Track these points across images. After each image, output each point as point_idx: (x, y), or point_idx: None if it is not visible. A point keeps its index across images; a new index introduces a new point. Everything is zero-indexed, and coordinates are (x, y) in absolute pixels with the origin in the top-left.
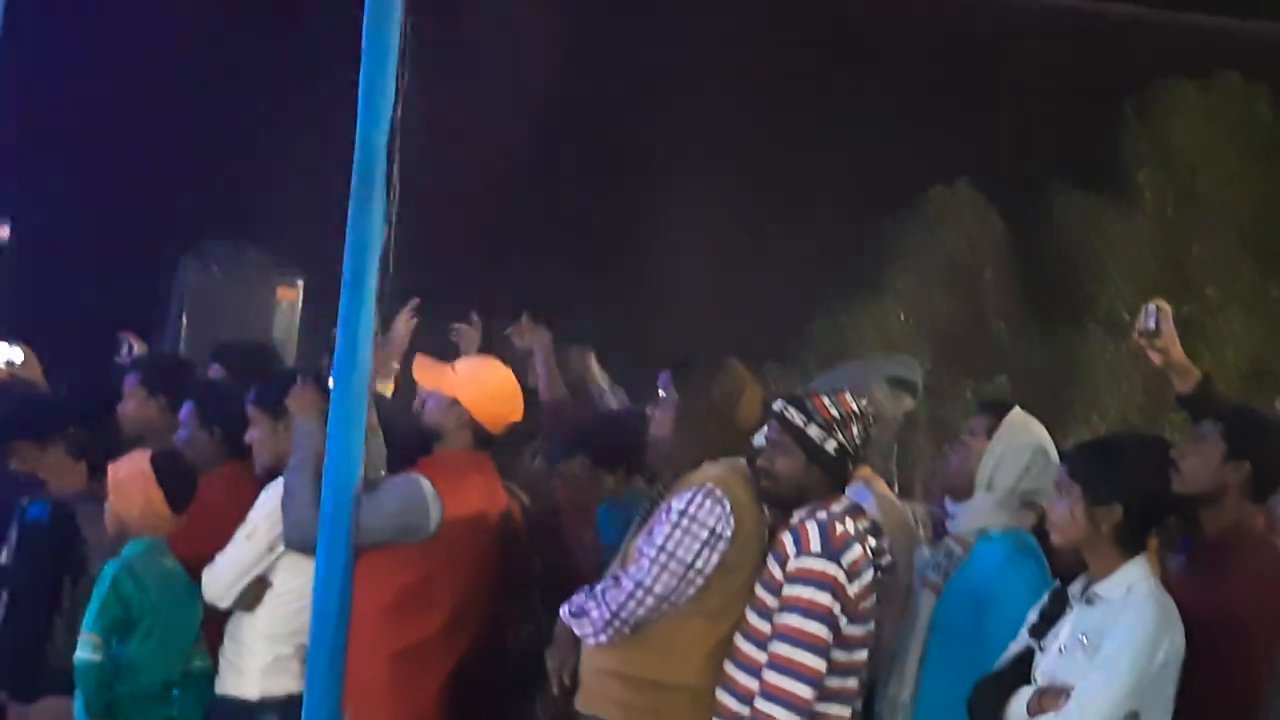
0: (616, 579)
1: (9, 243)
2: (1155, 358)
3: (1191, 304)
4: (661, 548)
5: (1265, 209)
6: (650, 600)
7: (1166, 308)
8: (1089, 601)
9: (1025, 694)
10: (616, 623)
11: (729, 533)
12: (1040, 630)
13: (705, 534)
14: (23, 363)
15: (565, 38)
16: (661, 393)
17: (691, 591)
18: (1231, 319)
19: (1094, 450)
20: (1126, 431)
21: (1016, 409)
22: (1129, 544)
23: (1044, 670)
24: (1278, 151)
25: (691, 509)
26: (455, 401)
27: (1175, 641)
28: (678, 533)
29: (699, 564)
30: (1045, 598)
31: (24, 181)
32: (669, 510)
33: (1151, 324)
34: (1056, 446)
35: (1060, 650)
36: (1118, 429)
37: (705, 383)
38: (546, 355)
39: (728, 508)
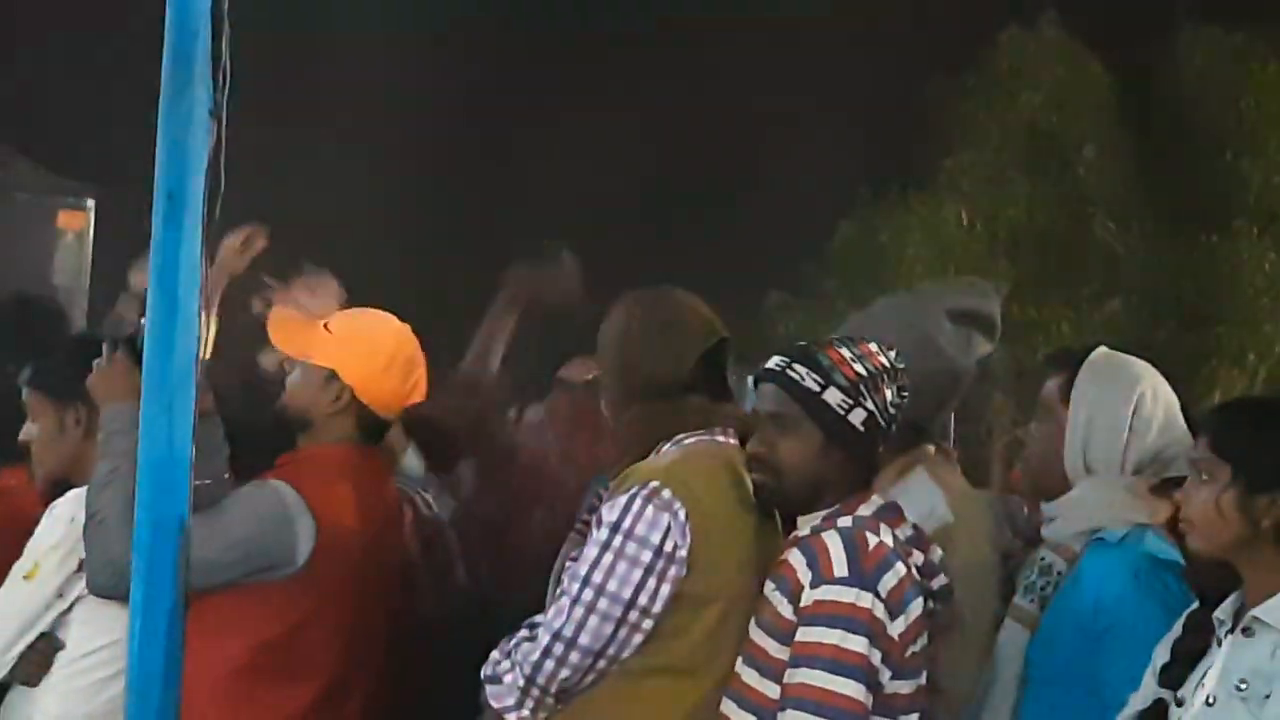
0: (532, 626)
1: None
2: None
3: None
4: (586, 580)
5: None
6: (575, 656)
7: None
8: (1246, 632)
9: None
10: (534, 690)
11: (684, 552)
12: (1176, 674)
13: (648, 556)
14: None
15: None
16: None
17: (638, 639)
18: None
19: (1250, 414)
20: None
21: (1100, 350)
22: None
23: None
24: None
25: (627, 521)
26: (333, 375)
27: None
28: (609, 556)
29: (642, 600)
30: (1179, 627)
31: None
32: (598, 523)
33: None
34: (1197, 405)
35: (1209, 702)
36: None
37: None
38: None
39: (681, 516)
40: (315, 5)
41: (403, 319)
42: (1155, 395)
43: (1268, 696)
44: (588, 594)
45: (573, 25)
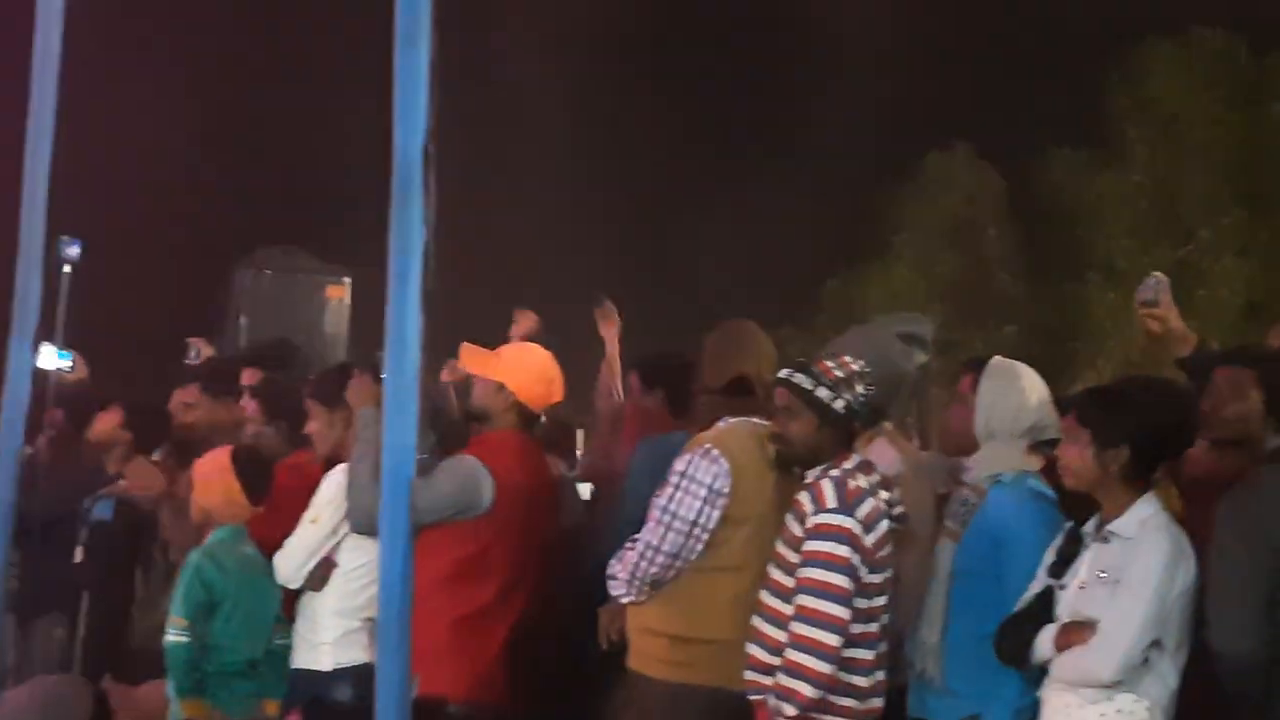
0: (636, 542)
1: (78, 260)
2: (1154, 326)
3: (1185, 248)
4: (665, 508)
5: (1248, 153)
6: (661, 558)
7: (1165, 279)
8: (1105, 539)
9: (1050, 630)
10: (636, 582)
11: (727, 488)
12: (1059, 569)
13: (704, 492)
14: (73, 370)
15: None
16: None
17: (699, 547)
18: (1224, 259)
19: (1099, 396)
20: (1130, 375)
21: (996, 358)
22: (1138, 483)
23: (1066, 606)
24: (1257, 96)
25: (690, 469)
26: (501, 386)
27: (1189, 569)
28: (678, 493)
29: (701, 520)
30: (1061, 538)
31: (94, 202)
32: (671, 472)
33: (1150, 294)
34: (1066, 392)
35: (1081, 587)
36: (1121, 372)
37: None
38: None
39: (725, 466)
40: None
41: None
42: (1033, 387)
43: (1118, 581)
44: (665, 517)
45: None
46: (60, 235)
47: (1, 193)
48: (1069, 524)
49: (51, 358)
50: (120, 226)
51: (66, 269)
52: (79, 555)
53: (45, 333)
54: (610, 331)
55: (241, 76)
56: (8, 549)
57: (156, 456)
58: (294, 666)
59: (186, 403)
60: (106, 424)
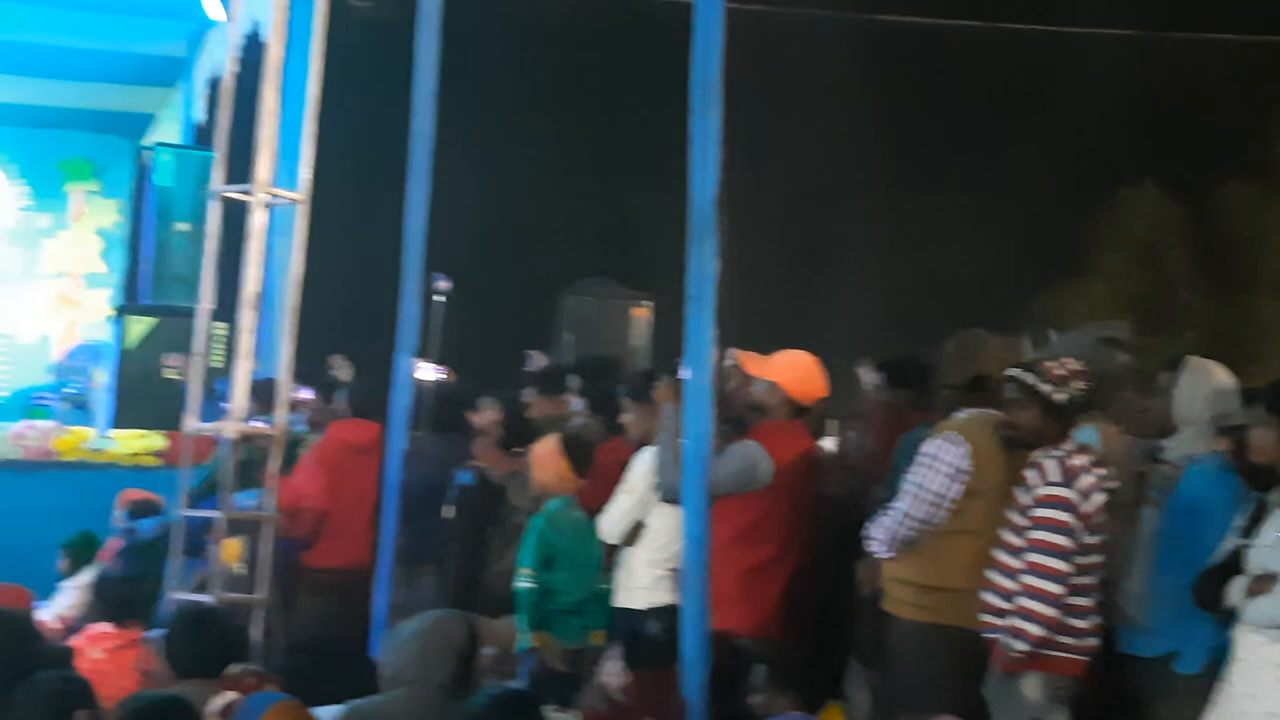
0: (892, 509)
1: (449, 292)
2: None
3: None
4: (917, 483)
5: None
6: (913, 523)
7: None
8: None
9: (1240, 581)
10: (893, 541)
11: (968, 467)
12: (1247, 531)
13: (949, 470)
14: (445, 378)
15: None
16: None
17: (944, 515)
18: None
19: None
20: None
21: (1191, 357)
22: None
23: (1254, 562)
24: None
25: (937, 452)
26: (776, 384)
27: None
28: (928, 471)
29: (946, 493)
30: (1251, 506)
31: (460, 242)
32: (921, 453)
33: None
34: (1245, 386)
35: (1267, 545)
36: None
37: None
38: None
39: (965, 449)
40: None
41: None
42: (1222, 381)
43: None
44: (916, 489)
45: None
46: (434, 271)
47: (387, 238)
48: (1255, 494)
49: (427, 370)
50: (477, 262)
51: (439, 299)
52: (449, 514)
53: (422, 350)
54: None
55: (568, 134)
56: (399, 513)
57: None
58: (614, 605)
59: (526, 401)
60: (486, 417)
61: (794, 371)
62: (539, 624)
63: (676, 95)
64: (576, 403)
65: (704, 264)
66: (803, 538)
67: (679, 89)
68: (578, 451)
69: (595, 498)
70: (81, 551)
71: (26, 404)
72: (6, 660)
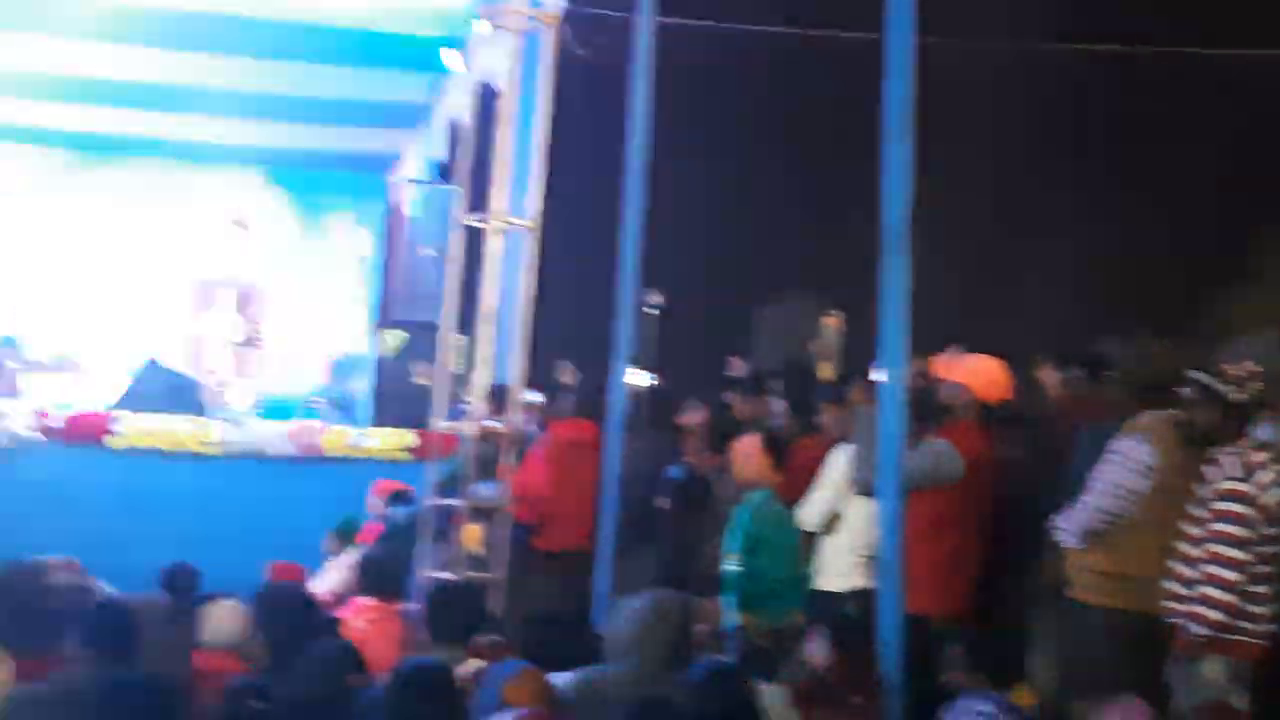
0: (1081, 502)
1: (660, 306)
2: None
3: None
4: (1107, 479)
5: None
6: (1102, 515)
7: None
8: None
9: None
10: (1082, 532)
11: (1154, 463)
12: None
13: (1137, 467)
14: (656, 383)
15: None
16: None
17: (1130, 508)
18: None
19: None
20: None
21: None
22: None
23: None
24: None
25: (1126, 449)
26: (963, 386)
27: None
28: (1117, 467)
29: (1134, 488)
30: None
31: (670, 261)
32: (1111, 451)
33: None
34: None
35: None
36: None
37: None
38: None
39: (1150, 447)
40: None
41: None
42: None
43: None
44: (1105, 485)
45: None
46: (647, 288)
47: (606, 259)
48: None
49: (640, 376)
50: (685, 279)
51: (651, 312)
52: (663, 504)
53: (636, 358)
54: None
55: (768, 159)
56: (617, 502)
57: None
58: (813, 588)
59: (730, 403)
60: (694, 418)
61: (980, 374)
62: (744, 604)
63: (867, 124)
64: (776, 404)
65: (896, 275)
66: (988, 529)
67: (870, 118)
68: (777, 449)
69: (793, 490)
70: (346, 533)
71: (296, 406)
72: (288, 626)
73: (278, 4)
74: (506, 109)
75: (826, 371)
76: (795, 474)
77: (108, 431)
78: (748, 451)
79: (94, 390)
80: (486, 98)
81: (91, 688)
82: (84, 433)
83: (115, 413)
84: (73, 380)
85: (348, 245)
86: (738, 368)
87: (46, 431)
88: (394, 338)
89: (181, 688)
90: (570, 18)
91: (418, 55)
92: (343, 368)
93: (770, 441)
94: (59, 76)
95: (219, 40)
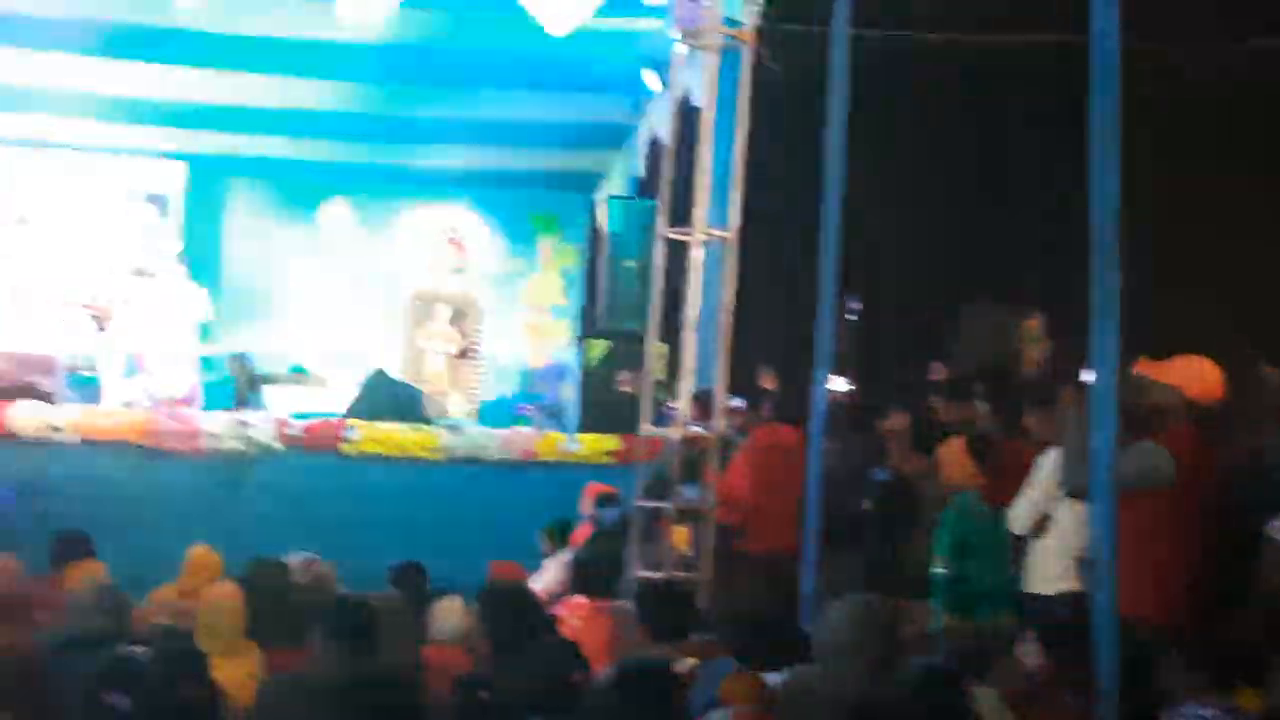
0: None
1: (859, 312)
2: None
3: None
4: None
5: None
6: None
7: None
8: None
9: None
10: None
11: None
12: None
13: None
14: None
15: None
16: None
17: None
18: None
19: None
20: None
21: None
22: None
23: None
24: None
25: None
26: (1176, 388)
27: None
28: None
29: None
30: None
31: (868, 268)
32: None
33: None
34: None
35: None
36: None
37: None
38: None
39: None
40: None
41: None
42: None
43: None
44: None
45: None
46: (846, 294)
47: (805, 266)
48: None
49: (840, 381)
50: (884, 285)
51: (851, 318)
52: (867, 506)
53: (837, 363)
54: None
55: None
56: (821, 505)
57: None
58: (1024, 590)
59: (934, 406)
60: (896, 422)
61: (1193, 376)
62: (952, 607)
63: (1065, 129)
64: (980, 408)
65: (1106, 278)
66: (1203, 532)
67: (1068, 124)
68: (983, 452)
69: (999, 493)
70: (558, 534)
71: (509, 413)
72: (511, 623)
73: (486, 35)
74: (706, 126)
75: (1029, 374)
76: (1001, 476)
77: (342, 439)
78: (954, 455)
79: (327, 400)
80: (686, 115)
81: (336, 679)
82: (320, 440)
83: (349, 421)
84: (307, 391)
85: (553, 260)
86: (938, 372)
87: (285, 439)
88: (598, 347)
89: (414, 680)
90: (765, 34)
91: (619, 77)
92: (550, 376)
93: (976, 445)
94: (286, 111)
95: (431, 73)
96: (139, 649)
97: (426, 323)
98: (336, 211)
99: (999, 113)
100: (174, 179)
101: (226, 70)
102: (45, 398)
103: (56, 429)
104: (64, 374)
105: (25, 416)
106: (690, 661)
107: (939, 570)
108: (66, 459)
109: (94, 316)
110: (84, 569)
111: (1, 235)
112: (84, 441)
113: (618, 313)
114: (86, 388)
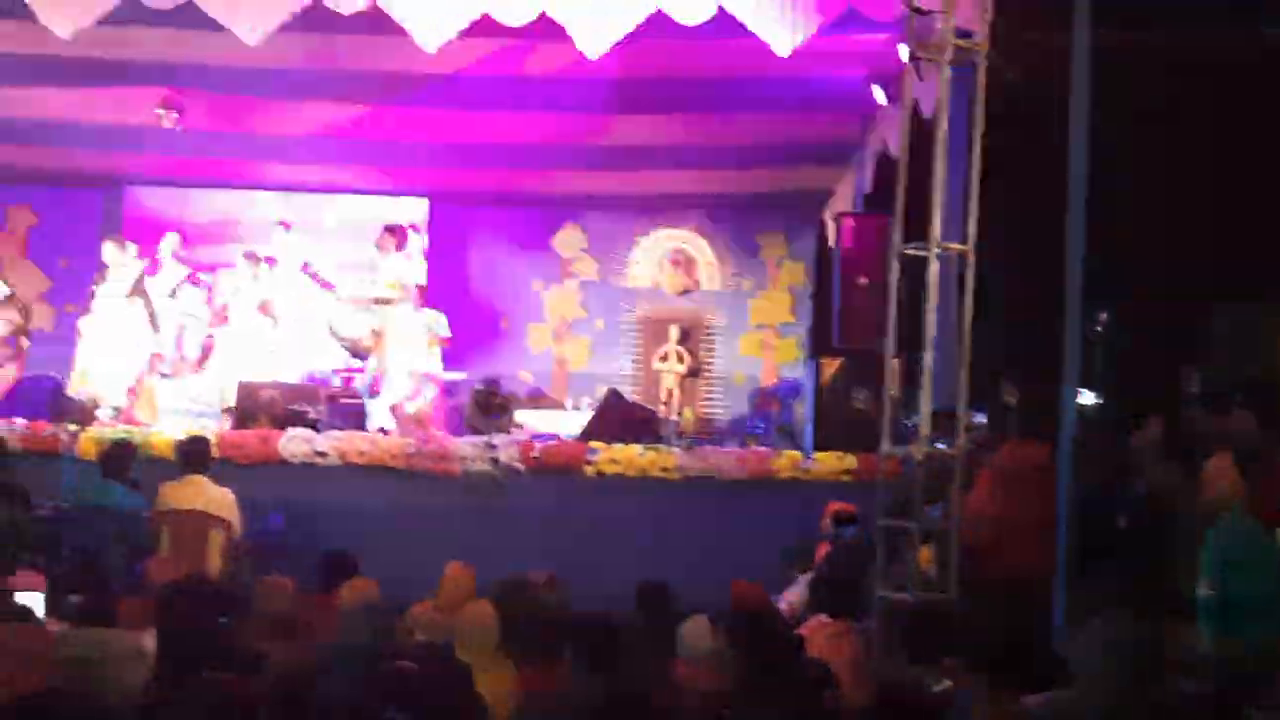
0: None
1: (1106, 322)
2: None
3: None
4: None
5: None
6: None
7: None
8: None
9: None
10: None
11: None
12: None
13: None
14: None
15: None
16: None
17: None
18: None
19: None
20: None
21: None
22: None
23: None
24: None
25: None
26: None
27: None
28: None
29: None
30: None
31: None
32: None
33: None
34: None
35: None
36: None
37: None
38: None
39: None
40: None
41: None
42: None
43: None
44: None
45: None
46: (1092, 304)
47: (1047, 276)
48: None
49: (1087, 394)
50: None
51: (1097, 329)
52: (1123, 523)
53: (1084, 375)
54: None
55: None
56: (1073, 522)
57: None
58: None
59: (1191, 418)
60: (1150, 435)
61: None
62: (1220, 628)
63: None
64: (1244, 419)
65: None
66: None
67: None
68: (1250, 464)
69: (1270, 508)
70: (799, 554)
71: (742, 432)
72: (759, 643)
73: (718, 62)
74: (941, 139)
75: None
76: (1270, 490)
77: (584, 461)
78: (1218, 468)
79: (564, 422)
80: (916, 128)
81: (593, 698)
82: (561, 463)
83: (590, 444)
84: (544, 414)
85: (781, 278)
86: (1192, 381)
87: (529, 462)
88: (831, 365)
89: (663, 699)
90: (999, 42)
91: (848, 94)
92: (781, 394)
93: (1243, 459)
94: (521, 145)
95: (667, 101)
96: (407, 663)
97: (658, 344)
98: (570, 237)
99: (1257, 105)
100: (417, 212)
101: (468, 110)
102: (311, 425)
103: (322, 454)
104: (327, 402)
105: (293, 444)
106: (945, 684)
107: (1204, 591)
108: (331, 483)
109: (349, 346)
110: (355, 587)
111: (264, 272)
112: (345, 466)
113: (851, 330)
114: (348, 415)
